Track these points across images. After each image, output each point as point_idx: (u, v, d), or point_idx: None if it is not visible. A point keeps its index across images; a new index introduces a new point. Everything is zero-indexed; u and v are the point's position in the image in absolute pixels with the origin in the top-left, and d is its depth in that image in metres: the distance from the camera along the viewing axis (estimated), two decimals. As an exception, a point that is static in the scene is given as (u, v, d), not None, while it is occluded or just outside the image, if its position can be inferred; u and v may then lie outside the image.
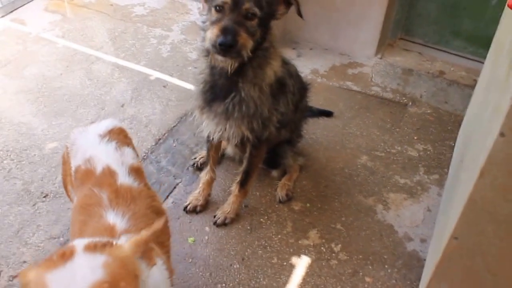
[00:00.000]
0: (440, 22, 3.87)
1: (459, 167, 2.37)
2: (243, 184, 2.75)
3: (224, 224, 2.78)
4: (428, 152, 3.25)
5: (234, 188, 2.78)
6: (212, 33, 2.11)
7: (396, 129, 3.41)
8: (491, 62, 2.49)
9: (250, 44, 2.13)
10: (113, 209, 1.69)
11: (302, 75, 3.04)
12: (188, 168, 3.09)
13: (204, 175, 2.85)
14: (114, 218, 1.65)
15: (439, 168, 3.14)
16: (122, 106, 3.50)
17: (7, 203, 2.86)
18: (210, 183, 2.86)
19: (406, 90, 3.72)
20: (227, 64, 2.22)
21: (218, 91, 2.36)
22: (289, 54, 4.01)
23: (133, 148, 2.10)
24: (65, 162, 2.15)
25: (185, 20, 4.46)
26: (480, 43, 3.78)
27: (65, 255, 1.17)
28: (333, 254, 2.65)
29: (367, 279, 2.55)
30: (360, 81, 3.81)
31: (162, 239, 1.80)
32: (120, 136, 2.07)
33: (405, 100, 3.65)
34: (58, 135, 3.25)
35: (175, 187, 2.97)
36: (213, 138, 2.60)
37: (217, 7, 2.12)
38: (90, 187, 1.80)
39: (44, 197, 2.89)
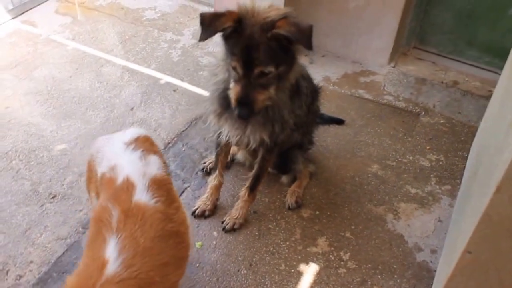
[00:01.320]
0: (455, 32, 3.93)
1: (473, 179, 2.41)
2: (252, 188, 2.81)
3: (233, 230, 2.84)
4: (441, 163, 3.30)
5: (243, 193, 2.84)
6: (232, 94, 2.28)
7: (408, 139, 3.46)
8: (508, 74, 2.55)
9: (266, 100, 2.28)
10: (116, 237, 1.68)
11: (316, 82, 3.11)
12: (197, 173, 3.15)
13: (213, 180, 2.91)
14: (111, 253, 1.64)
15: (451, 179, 3.18)
16: (132, 109, 3.57)
17: (15, 203, 2.93)
18: (218, 187, 2.92)
19: (419, 100, 3.77)
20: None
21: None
22: (302, 60, 4.07)
23: (160, 156, 2.12)
24: (90, 169, 2.20)
25: (196, 24, 4.47)
26: (495, 53, 3.84)
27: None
28: (342, 263, 2.70)
29: (376, 288, 2.60)
30: (373, 89, 3.87)
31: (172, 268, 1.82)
32: (146, 144, 2.09)
33: (418, 110, 3.70)
34: (67, 136, 3.33)
35: (183, 191, 3.03)
36: (226, 143, 2.69)
37: (232, 67, 2.21)
38: (107, 199, 1.83)
39: (52, 198, 2.96)
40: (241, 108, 2.24)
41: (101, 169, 2.00)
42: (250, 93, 2.21)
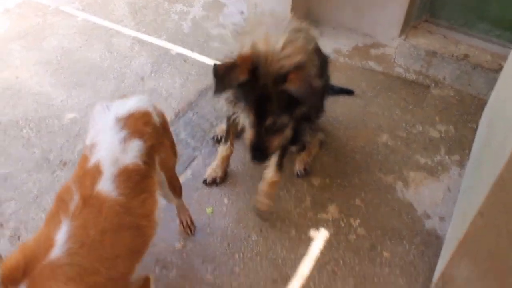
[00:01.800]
0: (467, 5, 3.91)
1: (486, 146, 2.44)
2: (280, 165, 2.76)
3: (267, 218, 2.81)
4: (450, 134, 3.32)
5: (271, 173, 2.73)
6: (246, 138, 2.37)
7: (418, 110, 3.48)
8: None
9: (280, 144, 2.39)
10: (69, 224, 1.66)
11: (326, 53, 3.12)
12: (207, 141, 3.18)
13: (223, 149, 2.94)
14: (60, 237, 1.62)
15: (460, 149, 3.21)
16: (142, 79, 3.60)
17: (26, 171, 2.98)
18: (228, 156, 2.96)
19: (429, 72, 3.78)
20: None
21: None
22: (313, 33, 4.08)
23: (149, 138, 1.96)
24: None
25: (206, -3, 4.56)
26: (506, 26, 3.83)
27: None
28: (352, 229, 2.74)
29: (385, 253, 2.64)
30: (383, 61, 3.89)
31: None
32: (138, 123, 1.95)
33: (428, 82, 3.71)
34: (77, 106, 3.37)
35: (194, 159, 3.07)
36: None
37: (246, 114, 2.28)
38: (74, 180, 1.80)
39: (63, 165, 3.00)
40: (255, 153, 2.33)
41: (87, 141, 1.95)
42: (263, 139, 2.28)
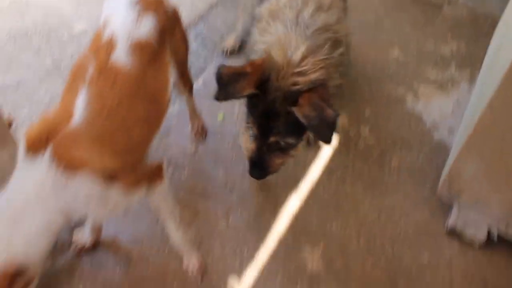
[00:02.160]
0: None
1: (494, 61, 2.45)
2: None
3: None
4: (461, 50, 3.32)
5: None
6: (244, 148, 2.16)
7: (430, 27, 3.47)
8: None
9: (284, 163, 2.14)
10: (87, 91, 1.69)
11: None
12: (218, 53, 3.19)
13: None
14: (78, 107, 1.65)
15: (471, 66, 3.21)
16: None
17: (38, 79, 3.00)
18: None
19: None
20: None
21: None
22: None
23: (161, 17, 1.98)
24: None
25: None
26: None
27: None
28: (361, 138, 2.79)
29: (394, 161, 2.69)
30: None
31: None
32: (151, 4, 1.98)
33: (441, 1, 3.68)
34: (86, 16, 3.37)
35: (205, 69, 3.08)
36: None
37: (250, 131, 2.08)
38: (90, 52, 1.83)
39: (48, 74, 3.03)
40: (253, 169, 2.11)
41: (101, 20, 1.97)
42: (265, 156, 2.07)
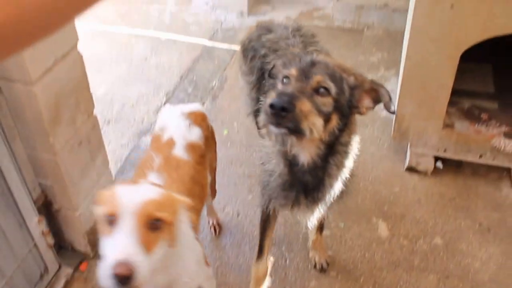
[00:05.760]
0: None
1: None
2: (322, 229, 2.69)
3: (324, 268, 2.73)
4: (385, 57, 4.31)
5: (316, 238, 2.69)
6: (265, 101, 1.68)
7: (358, 47, 4.46)
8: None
9: (317, 122, 1.65)
10: (157, 172, 1.96)
11: (278, 21, 4.04)
12: (209, 92, 4.03)
13: (257, 269, 2.55)
14: (153, 178, 1.93)
15: (394, 66, 4.18)
16: (146, 59, 4.42)
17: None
18: (265, 276, 2.61)
19: (361, 20, 4.79)
20: (291, 142, 1.85)
21: (302, 188, 2.00)
22: (265, 8, 5.03)
23: (205, 128, 2.30)
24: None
25: (175, -4, 5.42)
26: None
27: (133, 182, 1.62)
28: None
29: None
30: (325, 19, 4.86)
31: (194, 201, 1.90)
32: (198, 118, 2.29)
33: (362, 27, 4.71)
34: (103, 83, 4.12)
35: (203, 104, 3.91)
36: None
37: (284, 80, 1.77)
38: (153, 150, 2.13)
39: (108, 122, 3.76)
40: (279, 97, 1.61)
41: (156, 128, 2.32)
42: (296, 93, 1.65)
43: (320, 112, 1.66)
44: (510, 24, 2.43)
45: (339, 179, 2.01)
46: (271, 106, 1.57)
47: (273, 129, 1.64)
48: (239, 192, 3.16)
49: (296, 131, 1.64)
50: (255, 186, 3.16)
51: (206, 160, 2.28)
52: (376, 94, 1.84)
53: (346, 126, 1.85)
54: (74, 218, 2.49)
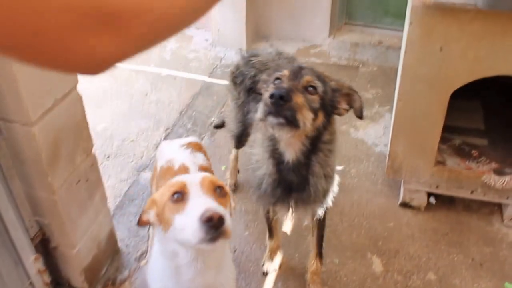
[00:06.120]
0: (373, 6, 5.06)
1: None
2: (320, 253, 2.72)
3: None
4: (380, 94, 4.37)
5: (313, 263, 2.73)
6: (264, 97, 1.88)
7: (353, 83, 4.51)
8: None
9: (308, 115, 1.81)
10: None
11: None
12: (208, 128, 4.07)
13: (270, 244, 2.83)
14: None
15: (388, 102, 4.23)
16: (146, 95, 4.47)
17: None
18: (278, 247, 2.88)
19: (356, 57, 4.86)
20: (281, 136, 1.94)
21: (288, 187, 2.15)
22: (263, 45, 5.11)
23: (205, 154, 2.43)
24: (154, 168, 2.56)
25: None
26: (404, 17, 4.97)
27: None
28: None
29: (353, 170, 3.58)
30: (321, 56, 4.93)
31: None
32: (196, 146, 2.44)
33: (357, 64, 4.78)
34: (103, 118, 4.18)
35: (202, 140, 3.94)
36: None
37: (275, 81, 1.93)
38: (169, 178, 2.09)
39: (107, 157, 3.79)
40: (278, 89, 1.79)
41: (160, 163, 2.36)
42: (292, 88, 1.82)
43: (310, 107, 1.83)
44: (495, 66, 2.48)
45: (326, 179, 2.15)
46: (271, 96, 1.73)
47: (271, 119, 1.78)
48: (236, 228, 3.17)
49: (291, 122, 1.78)
50: (252, 222, 3.18)
51: None
52: (350, 99, 2.04)
53: (328, 124, 2.01)
54: (72, 256, 2.49)
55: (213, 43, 5.18)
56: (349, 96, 2.05)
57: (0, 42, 0.44)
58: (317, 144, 2.02)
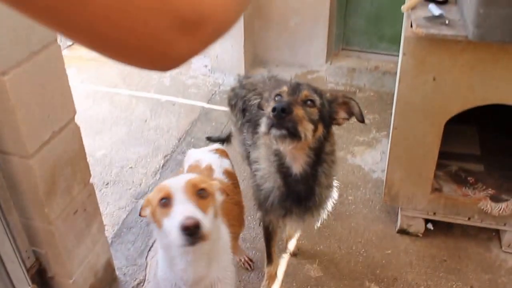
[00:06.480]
0: (369, 32, 5.10)
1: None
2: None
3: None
4: (376, 119, 4.38)
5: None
6: (266, 111, 2.00)
7: (351, 108, 4.53)
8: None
9: (308, 127, 1.90)
10: None
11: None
12: (206, 153, 4.08)
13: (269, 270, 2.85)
14: None
15: (385, 128, 4.24)
16: (146, 121, 4.49)
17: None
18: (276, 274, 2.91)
19: (353, 83, 4.88)
20: (285, 148, 2.01)
21: (296, 198, 2.24)
22: (261, 71, 5.14)
23: (230, 161, 2.60)
24: (181, 171, 2.75)
25: (175, 59, 5.54)
26: (399, 42, 5.01)
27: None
28: (324, 187, 3.67)
29: (350, 197, 3.58)
30: (318, 82, 4.95)
31: (234, 223, 2.21)
32: (223, 153, 2.61)
33: (354, 89, 4.80)
34: (103, 145, 4.19)
35: (200, 165, 3.94)
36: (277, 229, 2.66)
37: (276, 97, 2.05)
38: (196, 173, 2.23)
39: (106, 184, 3.79)
40: (279, 103, 1.91)
41: (188, 163, 2.53)
42: (292, 102, 1.93)
43: (310, 119, 1.93)
44: (488, 95, 2.49)
45: (328, 188, 2.31)
46: (274, 109, 1.84)
47: (274, 131, 1.88)
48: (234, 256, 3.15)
49: (293, 134, 1.87)
50: (250, 250, 3.16)
51: (239, 186, 2.55)
52: (348, 107, 2.15)
53: (328, 135, 2.13)
54: (68, 285, 2.47)
55: (212, 69, 5.22)
56: (346, 104, 2.15)
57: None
58: (321, 155, 2.12)
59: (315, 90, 2.05)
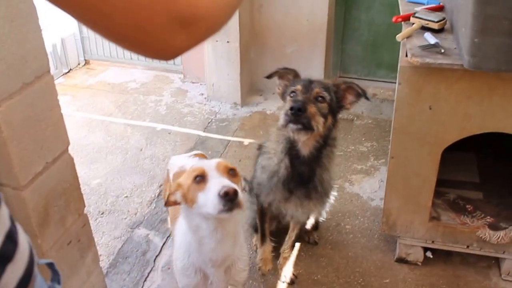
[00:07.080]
0: (366, 59, 5.17)
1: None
2: (293, 246, 3.22)
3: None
4: (375, 147, 4.40)
5: (286, 251, 3.19)
6: (284, 108, 2.39)
7: (348, 136, 4.56)
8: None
9: (320, 120, 2.32)
10: None
11: (270, 112, 4.24)
12: (202, 182, 4.08)
13: (263, 251, 3.13)
14: None
15: (384, 155, 4.27)
16: (141, 150, 4.51)
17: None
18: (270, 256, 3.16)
19: (351, 110, 4.87)
20: (300, 138, 2.41)
21: (299, 179, 2.58)
22: (257, 99, 5.19)
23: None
24: (167, 180, 2.85)
25: (171, 87, 5.59)
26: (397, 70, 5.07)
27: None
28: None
29: (347, 226, 3.57)
30: (315, 109, 4.99)
31: None
32: (203, 157, 2.83)
33: (351, 117, 4.84)
34: (98, 174, 4.20)
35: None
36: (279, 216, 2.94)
37: (291, 94, 2.43)
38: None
39: (101, 214, 3.79)
40: (295, 102, 2.31)
41: (173, 171, 2.68)
42: (305, 100, 2.32)
43: (321, 113, 2.34)
44: (485, 124, 2.52)
45: (326, 172, 2.64)
46: (291, 108, 2.26)
47: (292, 126, 2.31)
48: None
49: (307, 127, 2.29)
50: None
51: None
52: (352, 89, 2.54)
53: (336, 122, 2.54)
54: (61, 318, 2.45)
55: (208, 97, 5.26)
56: (350, 87, 2.54)
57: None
58: (327, 140, 2.51)
59: (325, 87, 2.41)
